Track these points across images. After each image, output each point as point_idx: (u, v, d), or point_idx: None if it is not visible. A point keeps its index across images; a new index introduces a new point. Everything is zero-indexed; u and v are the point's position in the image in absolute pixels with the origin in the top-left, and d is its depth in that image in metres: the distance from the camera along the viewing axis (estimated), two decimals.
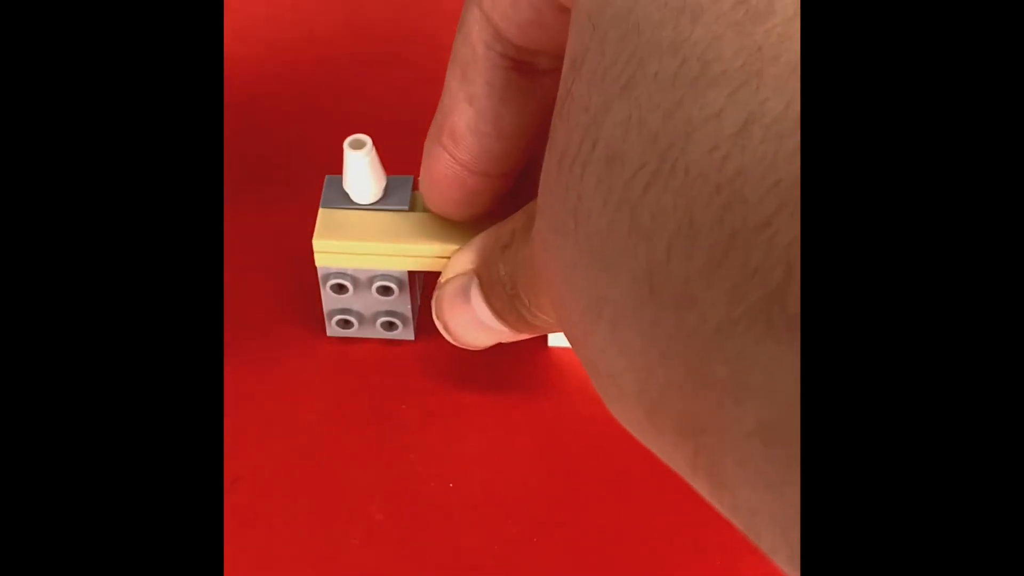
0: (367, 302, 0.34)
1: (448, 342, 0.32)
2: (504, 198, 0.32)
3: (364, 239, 0.33)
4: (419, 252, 0.33)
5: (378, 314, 0.35)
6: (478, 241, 0.31)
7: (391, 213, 0.33)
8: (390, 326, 0.35)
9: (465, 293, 0.31)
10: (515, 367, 0.34)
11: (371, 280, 0.34)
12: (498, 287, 0.30)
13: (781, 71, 0.20)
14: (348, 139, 0.32)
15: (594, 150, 0.23)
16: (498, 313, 0.30)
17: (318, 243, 0.33)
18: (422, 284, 0.36)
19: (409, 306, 0.34)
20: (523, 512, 0.31)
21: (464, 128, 0.30)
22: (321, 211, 0.33)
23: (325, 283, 0.34)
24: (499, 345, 0.32)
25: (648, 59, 0.22)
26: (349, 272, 0.34)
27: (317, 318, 0.35)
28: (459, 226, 0.33)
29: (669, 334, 0.21)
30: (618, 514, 0.32)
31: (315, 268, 0.34)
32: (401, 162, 0.33)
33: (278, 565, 0.31)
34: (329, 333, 0.35)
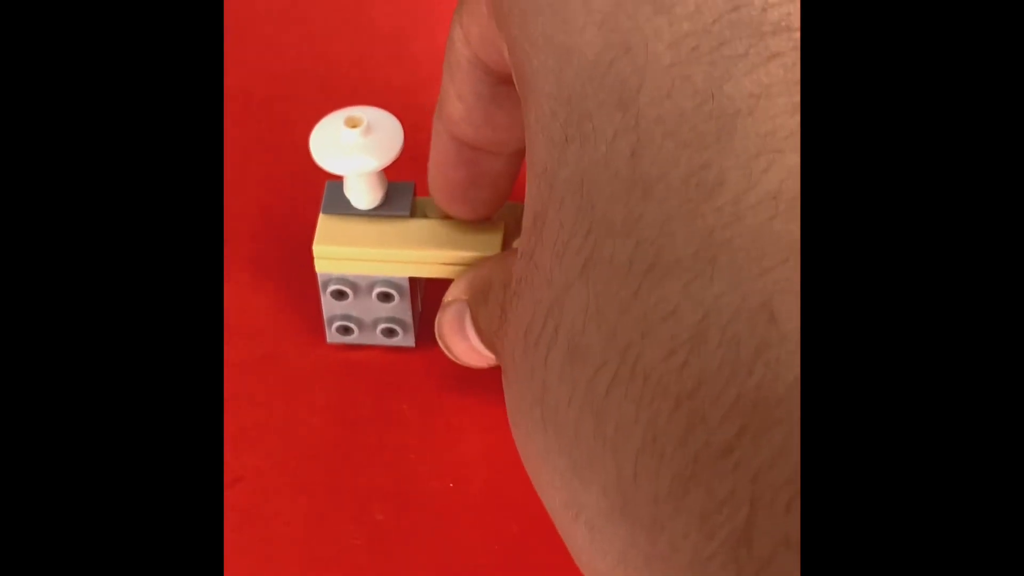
0: (367, 308, 0.34)
1: None
2: (506, 182, 0.32)
3: (364, 245, 0.33)
4: (419, 259, 0.33)
5: (378, 320, 0.35)
6: (472, 272, 0.31)
7: (392, 219, 0.33)
8: (390, 333, 0.35)
9: (461, 320, 0.31)
10: None
11: (371, 286, 0.34)
12: (492, 320, 0.30)
13: (734, 258, 0.20)
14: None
15: (557, 336, 0.22)
16: (490, 346, 0.30)
17: (318, 249, 0.33)
18: (423, 291, 0.36)
19: (410, 313, 0.34)
20: (523, 512, 0.31)
21: (458, 118, 0.30)
22: (321, 217, 0.33)
23: (325, 289, 0.34)
24: None
25: (603, 240, 0.22)
26: (349, 278, 0.34)
27: (318, 324, 0.35)
28: (460, 233, 0.33)
29: (645, 556, 0.21)
30: None
31: (315, 274, 0.34)
32: (402, 168, 0.33)
33: (278, 565, 0.31)
34: (329, 340, 0.35)
